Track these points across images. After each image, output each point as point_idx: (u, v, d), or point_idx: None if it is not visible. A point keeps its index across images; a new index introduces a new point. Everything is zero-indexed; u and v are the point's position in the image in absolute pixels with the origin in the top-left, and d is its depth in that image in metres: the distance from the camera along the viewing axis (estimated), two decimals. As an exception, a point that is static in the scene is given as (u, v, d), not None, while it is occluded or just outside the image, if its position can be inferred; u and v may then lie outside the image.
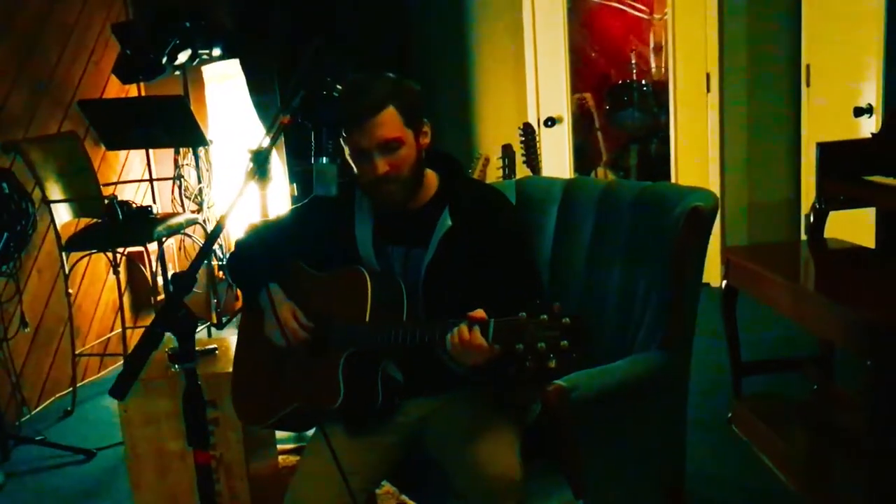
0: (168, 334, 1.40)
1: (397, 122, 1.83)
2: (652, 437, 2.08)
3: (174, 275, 1.37)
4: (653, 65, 6.61)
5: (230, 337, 2.87)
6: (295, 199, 4.47)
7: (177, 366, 2.47)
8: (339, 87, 1.67)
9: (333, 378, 1.85)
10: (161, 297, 4.29)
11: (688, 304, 2.00)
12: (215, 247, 4.69)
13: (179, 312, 1.33)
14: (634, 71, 6.58)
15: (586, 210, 2.26)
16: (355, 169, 1.89)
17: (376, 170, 1.84)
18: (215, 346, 2.67)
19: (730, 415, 3.10)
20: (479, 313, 1.66)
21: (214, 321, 4.65)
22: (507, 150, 3.43)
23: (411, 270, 1.94)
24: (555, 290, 2.24)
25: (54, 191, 3.76)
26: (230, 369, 2.44)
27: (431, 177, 1.99)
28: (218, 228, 1.47)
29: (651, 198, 2.12)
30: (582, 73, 6.28)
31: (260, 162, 1.54)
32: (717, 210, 1.99)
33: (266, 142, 1.61)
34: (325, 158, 1.69)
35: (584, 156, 5.85)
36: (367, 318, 1.85)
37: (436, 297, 1.91)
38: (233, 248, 2.14)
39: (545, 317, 1.55)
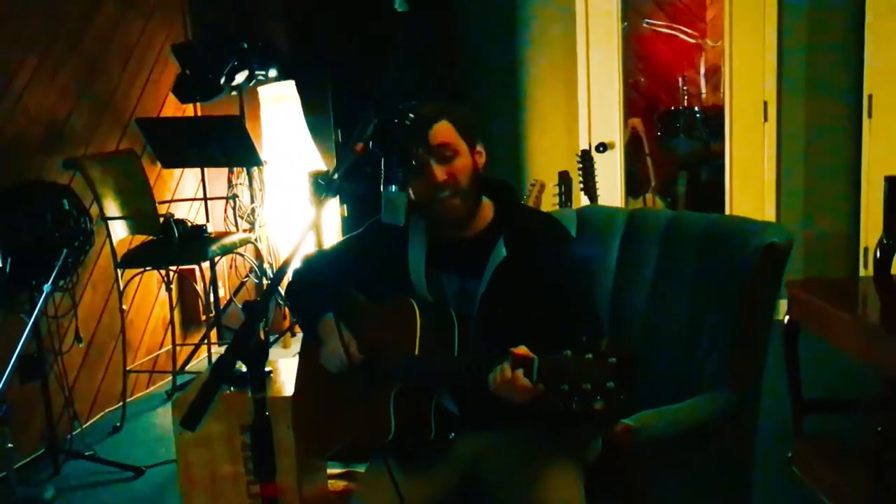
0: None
1: (451, 132, 1.87)
2: (717, 477, 2.01)
3: (246, 303, 1.35)
4: (703, 91, 6.54)
5: (281, 359, 2.87)
6: (345, 221, 4.47)
7: (232, 388, 2.46)
8: (411, 115, 1.66)
9: (384, 412, 1.82)
10: (213, 314, 4.32)
11: (759, 343, 1.94)
12: (265, 266, 4.72)
13: (251, 341, 1.31)
14: (685, 97, 6.51)
15: (650, 242, 2.21)
16: (412, 192, 1.88)
17: (434, 177, 1.84)
18: (270, 369, 2.66)
19: (790, 454, 3.01)
20: (523, 350, 1.62)
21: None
22: (564, 177, 3.39)
23: (465, 301, 1.91)
24: (615, 323, 2.19)
25: (111, 207, 3.81)
26: (285, 393, 2.44)
27: (487, 204, 1.98)
28: (284, 268, 1.46)
29: (721, 231, 2.06)
30: (631, 98, 6.23)
31: (332, 191, 1.53)
32: (792, 247, 1.93)
33: (324, 165, 1.60)
34: (394, 187, 1.66)
35: (632, 181, 5.80)
36: (417, 351, 1.83)
37: (492, 328, 1.88)
38: (290, 278, 2.13)
39: (590, 356, 1.51)
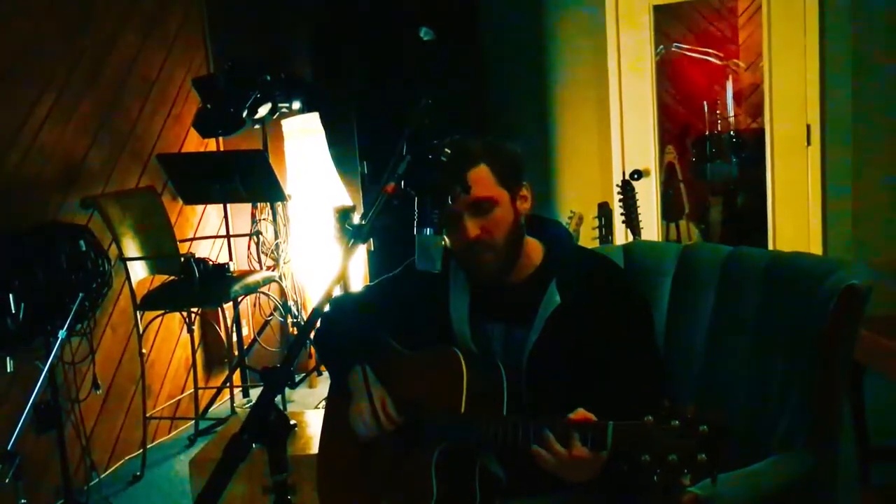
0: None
1: (489, 181, 1.67)
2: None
3: (264, 371, 1.18)
4: (733, 115, 6.36)
5: (308, 410, 2.70)
6: (372, 255, 4.32)
7: (254, 445, 2.30)
8: (447, 150, 1.48)
9: (426, 476, 1.65)
10: (236, 355, 4.17)
11: (838, 398, 1.73)
12: (291, 303, 4.57)
13: (270, 416, 1.13)
14: (719, 122, 6.34)
15: (706, 281, 2.01)
16: (446, 238, 1.71)
17: (467, 233, 1.66)
18: (295, 422, 2.48)
19: (856, 506, 2.78)
20: (582, 414, 1.44)
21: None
22: (604, 209, 3.20)
23: (512, 352, 1.74)
24: (669, 375, 1.99)
25: (131, 247, 3.69)
26: (310, 450, 2.26)
27: (535, 246, 1.79)
28: (312, 321, 1.28)
29: (788, 271, 1.86)
30: (662, 123, 6.06)
31: (362, 237, 1.36)
32: (871, 289, 1.73)
33: (349, 199, 1.43)
34: (429, 230, 1.49)
35: (665, 208, 5.62)
36: (463, 409, 1.65)
37: (541, 384, 1.70)
38: (319, 323, 1.95)
39: (677, 422, 1.32)
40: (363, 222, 1.38)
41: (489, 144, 1.71)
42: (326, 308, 1.95)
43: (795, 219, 4.55)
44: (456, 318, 1.79)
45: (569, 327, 1.67)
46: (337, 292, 1.68)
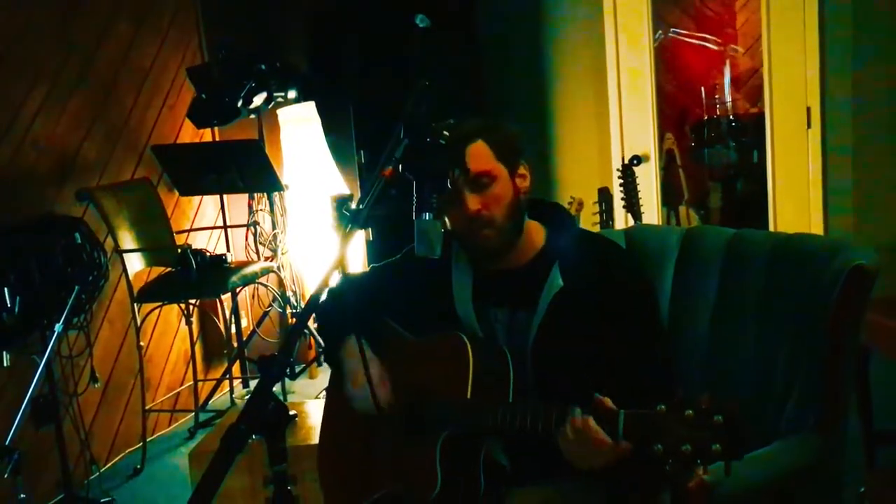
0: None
1: (487, 156, 1.66)
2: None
3: (261, 359, 1.15)
4: (729, 99, 6.32)
5: (308, 401, 2.67)
6: (370, 245, 4.29)
7: (254, 435, 2.27)
8: (446, 133, 1.45)
9: (430, 463, 1.63)
10: (235, 347, 4.15)
11: (846, 380, 1.71)
12: (289, 294, 4.54)
13: (269, 405, 1.10)
14: (717, 106, 6.30)
15: (709, 264, 1.98)
16: (448, 221, 1.70)
17: (467, 208, 1.64)
18: (295, 412, 2.45)
19: (861, 489, 2.75)
20: (606, 401, 1.41)
21: (287, 371, 4.48)
22: (604, 194, 3.18)
23: (517, 337, 1.71)
24: (673, 359, 1.96)
25: (126, 239, 3.66)
26: (311, 440, 2.24)
27: (537, 229, 1.77)
28: (313, 302, 1.26)
29: (793, 251, 1.84)
30: (661, 108, 6.02)
31: (359, 223, 1.34)
32: (878, 270, 1.71)
33: (346, 188, 1.40)
34: (427, 215, 1.46)
35: (664, 194, 5.59)
36: (469, 394, 1.63)
37: (547, 369, 1.67)
38: (323, 299, 1.93)
39: (690, 412, 1.30)
40: (360, 207, 1.35)
41: (486, 122, 1.73)
42: (333, 285, 1.92)
43: (796, 202, 4.51)
44: (459, 303, 1.77)
45: (572, 311, 1.65)
46: (334, 280, 1.65)
